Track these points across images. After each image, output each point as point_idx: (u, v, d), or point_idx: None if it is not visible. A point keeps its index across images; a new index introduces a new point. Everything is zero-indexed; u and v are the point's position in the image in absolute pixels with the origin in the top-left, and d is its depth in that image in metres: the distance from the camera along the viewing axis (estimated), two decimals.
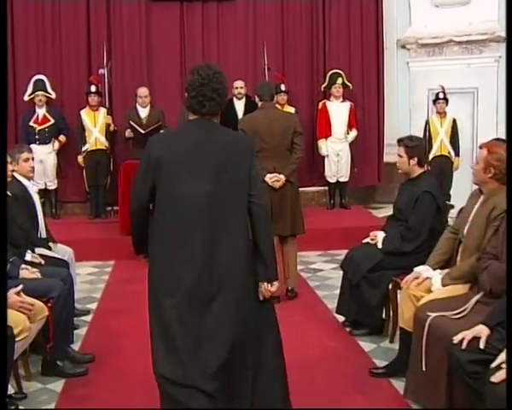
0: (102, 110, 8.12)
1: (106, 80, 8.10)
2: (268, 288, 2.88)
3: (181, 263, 2.71)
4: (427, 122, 8.52)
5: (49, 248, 4.78)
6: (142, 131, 7.44)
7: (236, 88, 8.10)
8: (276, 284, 2.89)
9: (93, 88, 8.06)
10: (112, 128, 8.11)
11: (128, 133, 7.57)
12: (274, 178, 5.20)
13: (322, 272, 6.65)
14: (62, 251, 4.97)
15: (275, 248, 2.97)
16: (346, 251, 4.87)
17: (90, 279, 6.48)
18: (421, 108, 9.19)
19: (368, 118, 9.35)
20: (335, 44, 9.20)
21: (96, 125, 8.01)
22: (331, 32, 9.20)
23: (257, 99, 5.35)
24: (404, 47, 9.41)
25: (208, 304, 2.74)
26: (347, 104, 8.87)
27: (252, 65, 9.14)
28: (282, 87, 8.68)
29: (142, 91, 7.86)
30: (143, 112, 7.80)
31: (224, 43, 9.12)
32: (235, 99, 8.11)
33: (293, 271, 5.56)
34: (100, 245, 7.21)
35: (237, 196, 2.76)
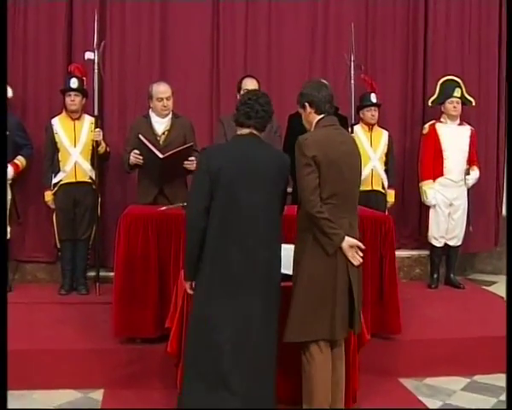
0: (88, 119, 5.27)
1: (95, 71, 5.12)
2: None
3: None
4: None
5: None
6: (161, 156, 4.48)
7: None
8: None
9: (74, 83, 5.19)
10: (102, 148, 5.22)
11: (134, 157, 4.61)
12: (355, 246, 3.21)
13: None
14: None
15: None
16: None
17: None
18: None
19: (484, 150, 6.35)
20: (440, 43, 6.33)
21: (76, 144, 5.19)
22: (437, 24, 6.28)
23: (308, 109, 3.31)
24: None
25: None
26: (467, 129, 5.91)
27: (322, 59, 6.17)
28: (373, 98, 5.71)
29: (163, 89, 4.76)
30: (161, 124, 4.81)
31: (278, 28, 6.10)
32: None
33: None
34: (76, 360, 4.03)
35: (275, 210, 3.20)
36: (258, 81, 4.82)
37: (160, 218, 4.08)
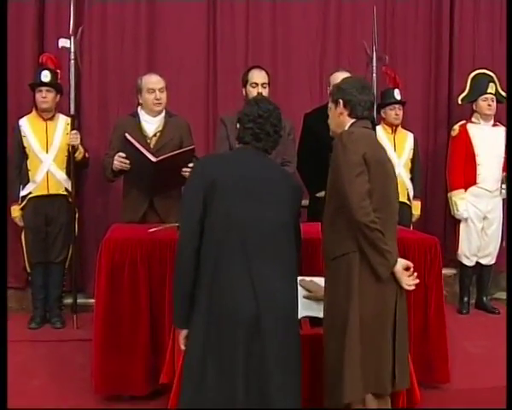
0: (62, 120, 4.64)
1: (71, 62, 4.45)
2: None
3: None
4: None
5: None
6: (153, 159, 3.76)
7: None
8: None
9: (45, 76, 4.57)
10: (80, 154, 4.60)
11: (119, 161, 3.90)
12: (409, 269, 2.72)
13: None
14: None
15: None
16: None
17: None
18: None
19: None
20: (467, 32, 5.67)
21: (48, 149, 4.57)
22: (463, 11, 5.63)
23: (340, 107, 2.81)
24: None
25: None
26: (502, 130, 5.19)
27: (335, 47, 5.47)
28: (397, 94, 4.96)
29: (155, 80, 4.10)
30: (152, 124, 4.12)
31: (283, 11, 5.41)
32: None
33: None
34: None
35: (289, 229, 2.60)
36: (267, 73, 4.10)
37: (151, 243, 3.31)
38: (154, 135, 4.05)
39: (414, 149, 5.04)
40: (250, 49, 5.27)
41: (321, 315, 2.81)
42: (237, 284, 2.41)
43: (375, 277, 2.61)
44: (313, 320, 2.97)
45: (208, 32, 5.24)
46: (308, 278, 3.08)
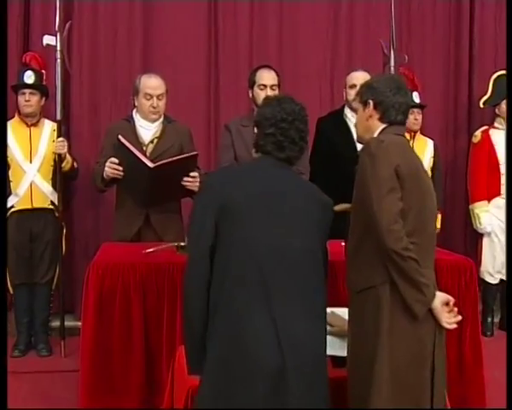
0: (48, 126, 4.38)
1: (58, 61, 4.16)
2: None
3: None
4: None
5: None
6: (150, 165, 3.43)
7: (353, 87, 3.84)
8: None
9: (29, 77, 4.30)
10: (67, 164, 4.31)
11: (112, 168, 3.58)
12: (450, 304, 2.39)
13: None
14: None
15: None
16: None
17: None
18: None
19: None
20: (488, 32, 5.37)
21: (32, 158, 4.30)
22: (483, 9, 5.33)
23: (370, 109, 2.46)
24: None
25: None
26: None
27: (347, 45, 5.16)
28: (416, 97, 4.67)
29: (154, 84, 3.76)
30: (149, 130, 3.81)
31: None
32: (347, 110, 3.99)
33: None
34: None
35: (316, 259, 2.23)
36: (277, 74, 3.78)
37: (147, 267, 2.95)
38: (151, 142, 3.73)
39: (434, 157, 4.76)
40: (254, 47, 4.97)
41: (344, 354, 2.44)
42: (257, 330, 2.05)
43: (410, 314, 2.25)
44: (336, 360, 2.58)
45: (209, 30, 4.95)
46: (329, 310, 2.69)
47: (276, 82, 3.68)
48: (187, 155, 3.53)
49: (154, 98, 3.67)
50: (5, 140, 3.36)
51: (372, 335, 2.26)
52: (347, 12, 5.10)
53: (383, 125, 2.41)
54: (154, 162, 3.42)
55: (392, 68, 4.36)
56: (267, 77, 3.67)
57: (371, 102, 2.41)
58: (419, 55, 5.24)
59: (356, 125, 2.54)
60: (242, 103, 4.61)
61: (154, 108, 3.67)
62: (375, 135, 2.40)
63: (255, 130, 2.28)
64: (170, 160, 3.43)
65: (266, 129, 2.24)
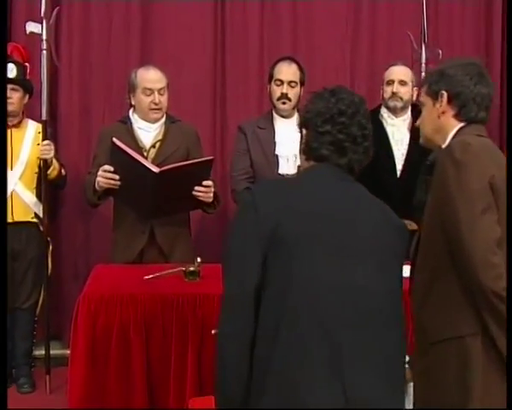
0: (32, 127, 4.10)
1: (43, 53, 3.83)
2: None
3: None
4: None
5: None
6: (155, 170, 3.05)
7: (390, 83, 3.53)
8: None
9: (10, 70, 3.95)
10: (54, 171, 3.98)
11: (105, 177, 3.19)
12: None
13: None
14: None
15: None
16: None
17: None
18: None
19: None
20: None
21: (13, 164, 4.02)
22: None
23: (443, 104, 2.06)
24: None
25: None
26: None
27: (369, 37, 4.77)
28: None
29: (153, 77, 3.41)
30: (149, 132, 3.48)
31: None
32: (384, 110, 3.67)
33: None
34: None
35: (393, 303, 1.79)
36: (301, 69, 3.43)
37: (150, 299, 2.53)
38: (153, 146, 3.35)
39: None
40: (265, 41, 4.61)
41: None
42: (322, 404, 1.59)
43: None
44: None
45: (215, 22, 4.59)
46: None
47: (295, 78, 3.32)
48: (200, 159, 3.14)
49: (155, 93, 3.30)
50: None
51: (459, 396, 1.85)
52: (368, 5, 4.73)
53: (460, 124, 1.98)
54: (160, 167, 3.02)
55: (424, 65, 4.03)
56: (286, 72, 3.32)
57: (445, 93, 1.99)
58: (447, 53, 4.86)
59: (420, 124, 2.11)
60: (252, 104, 4.32)
61: (155, 104, 3.30)
62: (449, 137, 1.95)
63: (303, 131, 1.83)
64: (179, 164, 3.07)
65: (320, 127, 1.80)
